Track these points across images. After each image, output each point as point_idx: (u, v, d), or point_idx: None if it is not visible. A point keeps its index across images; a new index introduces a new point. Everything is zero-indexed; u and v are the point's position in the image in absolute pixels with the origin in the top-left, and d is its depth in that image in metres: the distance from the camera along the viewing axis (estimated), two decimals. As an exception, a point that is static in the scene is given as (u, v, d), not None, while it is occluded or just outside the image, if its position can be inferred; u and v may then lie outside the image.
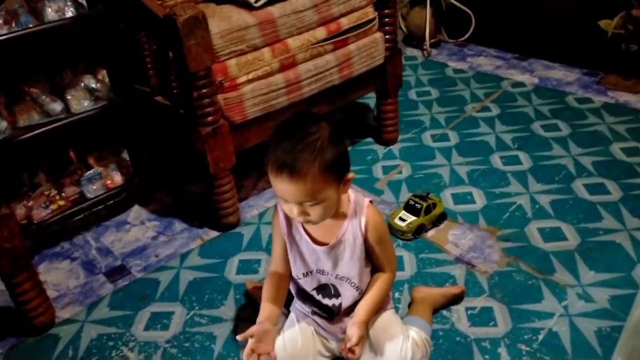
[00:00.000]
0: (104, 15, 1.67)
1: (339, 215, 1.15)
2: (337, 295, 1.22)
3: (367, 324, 1.17)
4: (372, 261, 1.22)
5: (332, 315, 1.25)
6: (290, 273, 1.25)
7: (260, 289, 1.27)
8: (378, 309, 1.22)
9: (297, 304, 1.30)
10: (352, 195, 1.17)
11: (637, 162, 1.93)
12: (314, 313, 1.26)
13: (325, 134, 1.05)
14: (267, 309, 1.19)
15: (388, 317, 1.25)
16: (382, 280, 1.21)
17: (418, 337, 1.23)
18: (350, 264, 1.18)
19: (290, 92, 1.72)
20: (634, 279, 1.46)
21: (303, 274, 1.22)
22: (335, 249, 1.17)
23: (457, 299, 1.44)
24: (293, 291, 1.29)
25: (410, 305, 1.41)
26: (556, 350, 1.30)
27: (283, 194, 1.06)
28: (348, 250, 1.17)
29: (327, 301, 1.23)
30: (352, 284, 1.20)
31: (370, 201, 1.18)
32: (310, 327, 1.26)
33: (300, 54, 1.72)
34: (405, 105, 2.43)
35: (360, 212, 1.16)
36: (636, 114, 2.23)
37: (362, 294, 1.22)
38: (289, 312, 1.32)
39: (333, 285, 1.22)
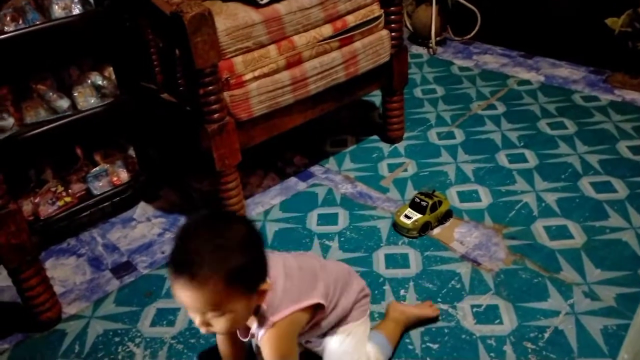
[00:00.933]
0: (110, 12, 1.67)
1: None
2: None
3: None
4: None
5: None
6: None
7: None
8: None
9: None
10: (269, 299, 1.02)
11: (643, 161, 1.92)
12: None
13: (238, 237, 0.93)
14: None
15: (348, 331, 1.20)
16: None
17: (374, 358, 1.21)
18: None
19: (296, 90, 1.72)
20: (641, 278, 1.46)
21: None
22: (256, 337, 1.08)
23: (431, 320, 1.39)
24: None
25: (383, 320, 1.35)
26: (562, 348, 1.29)
27: (182, 301, 0.93)
28: None
29: None
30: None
31: (280, 319, 1.02)
32: None
33: (306, 52, 1.72)
34: (411, 103, 2.42)
35: (264, 323, 1.03)
36: (643, 112, 2.22)
37: (326, 328, 1.17)
38: None
39: None
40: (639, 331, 0.86)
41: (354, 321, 1.21)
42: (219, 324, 0.95)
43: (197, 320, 0.96)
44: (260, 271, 0.98)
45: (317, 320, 1.13)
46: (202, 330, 0.97)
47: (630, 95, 2.36)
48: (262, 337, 1.03)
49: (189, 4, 1.46)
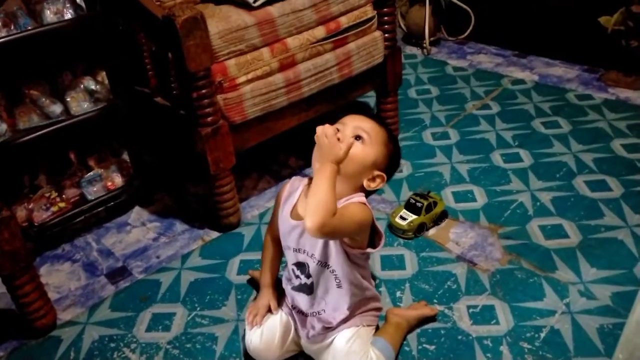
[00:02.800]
0: (103, 16, 1.67)
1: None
2: (309, 275, 1.22)
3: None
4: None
5: (310, 292, 1.23)
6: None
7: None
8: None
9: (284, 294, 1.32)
10: (362, 198, 1.17)
11: (638, 159, 1.92)
12: (293, 307, 1.28)
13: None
14: (266, 274, 1.35)
15: (357, 333, 1.24)
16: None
17: None
18: (312, 239, 1.16)
19: (290, 92, 1.72)
20: (636, 276, 1.46)
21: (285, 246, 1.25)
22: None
23: (429, 319, 1.40)
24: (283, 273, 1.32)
25: (383, 325, 1.35)
26: (558, 347, 1.29)
27: (350, 119, 1.20)
28: None
29: (304, 279, 1.23)
30: (315, 258, 1.18)
31: (366, 205, 1.16)
32: (291, 324, 1.29)
33: (299, 54, 1.72)
34: (405, 103, 2.42)
35: (347, 200, 1.15)
36: (637, 110, 2.22)
37: (339, 285, 1.20)
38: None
39: (307, 264, 1.21)
40: (634, 330, 0.86)
41: (363, 325, 1.25)
42: (356, 147, 1.15)
43: (346, 132, 1.17)
44: (392, 168, 1.25)
45: (364, 259, 1.23)
46: (341, 142, 1.10)
47: (624, 93, 2.36)
48: (347, 202, 1.15)
49: (181, 8, 1.46)
